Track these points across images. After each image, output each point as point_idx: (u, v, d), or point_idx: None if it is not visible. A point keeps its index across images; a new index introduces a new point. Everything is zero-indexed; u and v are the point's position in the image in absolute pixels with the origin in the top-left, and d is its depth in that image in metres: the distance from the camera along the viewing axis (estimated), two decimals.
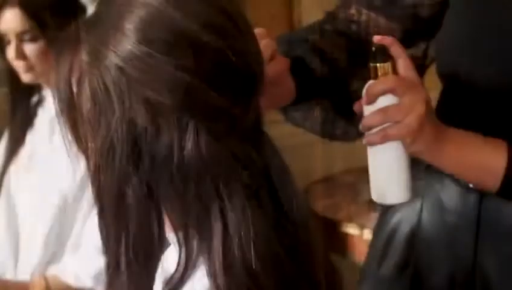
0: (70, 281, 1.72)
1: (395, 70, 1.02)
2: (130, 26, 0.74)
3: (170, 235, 0.79)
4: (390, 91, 1.00)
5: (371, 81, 1.02)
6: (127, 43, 0.74)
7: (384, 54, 1.01)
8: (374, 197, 1.06)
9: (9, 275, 1.80)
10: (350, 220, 2.03)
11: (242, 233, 0.74)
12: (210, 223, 0.75)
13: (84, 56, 0.77)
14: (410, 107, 0.99)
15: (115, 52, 0.74)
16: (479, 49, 1.12)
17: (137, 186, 0.75)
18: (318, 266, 0.80)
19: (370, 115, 1.01)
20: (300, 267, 0.77)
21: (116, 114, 0.74)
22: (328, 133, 1.21)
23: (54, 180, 1.77)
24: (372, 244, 1.30)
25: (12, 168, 1.86)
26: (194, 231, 0.76)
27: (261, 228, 0.75)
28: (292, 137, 2.36)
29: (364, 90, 1.02)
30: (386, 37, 1.02)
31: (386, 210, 1.27)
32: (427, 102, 1.00)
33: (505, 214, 1.10)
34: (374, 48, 1.01)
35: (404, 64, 1.02)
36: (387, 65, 1.01)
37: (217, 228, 0.75)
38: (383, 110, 1.00)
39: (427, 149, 1.02)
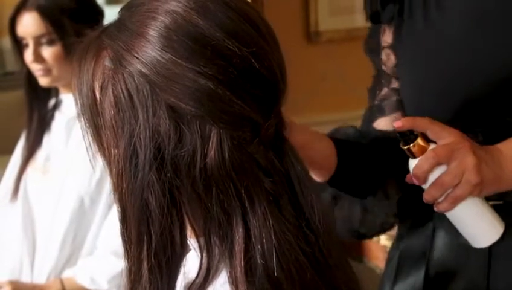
0: (86, 283, 1.73)
1: (428, 140, 1.01)
2: (154, 33, 0.75)
3: (192, 241, 0.79)
4: (436, 165, 1.00)
5: (412, 162, 1.02)
6: (151, 49, 0.74)
7: (411, 133, 1.01)
8: (475, 245, 1.07)
9: (25, 278, 1.81)
10: None
11: (264, 240, 0.74)
12: (232, 230, 0.75)
13: (107, 62, 0.77)
14: (461, 168, 0.99)
15: (138, 58, 0.75)
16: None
17: (159, 192, 0.75)
18: (340, 273, 0.80)
19: (428, 191, 1.01)
20: (322, 275, 0.77)
21: (139, 121, 0.75)
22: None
23: (71, 183, 1.77)
24: (388, 261, 1.29)
25: (29, 171, 1.86)
26: (216, 237, 0.76)
27: (283, 235, 0.75)
28: None
29: (411, 173, 1.02)
30: (404, 120, 1.02)
31: (401, 232, 1.26)
32: (473, 150, 1.00)
33: None
34: (398, 134, 1.01)
35: (433, 132, 1.01)
36: (418, 142, 1.00)
37: (239, 234, 0.75)
38: (439, 183, 1.00)
39: (498, 185, 1.03)
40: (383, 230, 1.26)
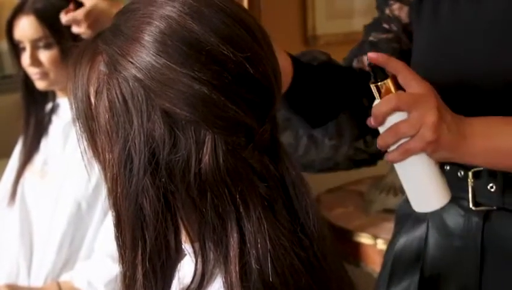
0: (83, 287, 1.72)
1: (398, 85, 0.99)
2: (149, 38, 0.75)
3: (186, 246, 0.79)
4: (395, 109, 0.97)
5: (375, 102, 1.00)
6: (145, 54, 0.74)
7: (383, 72, 0.98)
8: (415, 208, 1.04)
9: (22, 281, 1.81)
10: (363, 229, 2.03)
11: (259, 245, 0.74)
12: (226, 235, 0.75)
13: (102, 67, 0.77)
14: (420, 120, 0.96)
15: (133, 63, 0.75)
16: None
17: (154, 197, 0.75)
18: (335, 278, 0.80)
19: (383, 135, 0.99)
20: (317, 280, 0.77)
21: (134, 126, 0.75)
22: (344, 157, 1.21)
23: (68, 187, 1.77)
24: (383, 265, 1.28)
25: (27, 175, 1.86)
26: (211, 243, 0.76)
27: (277, 240, 0.75)
28: None
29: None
30: (380, 54, 0.99)
31: (395, 233, 1.26)
32: (438, 108, 0.97)
33: (508, 237, 1.08)
34: (370, 68, 0.99)
35: (404, 78, 0.99)
36: (387, 82, 0.98)
37: (234, 239, 0.75)
38: (394, 129, 0.97)
39: (452, 152, 0.99)
40: (324, 168, 1.24)
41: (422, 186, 1.02)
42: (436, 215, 1.16)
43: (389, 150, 1.00)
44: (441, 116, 0.97)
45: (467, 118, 1.01)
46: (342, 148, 1.21)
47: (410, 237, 1.21)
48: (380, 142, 1.00)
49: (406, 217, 1.24)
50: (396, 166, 1.02)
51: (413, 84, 0.98)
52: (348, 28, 2.55)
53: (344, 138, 1.20)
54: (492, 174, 1.08)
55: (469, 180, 1.11)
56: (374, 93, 1.00)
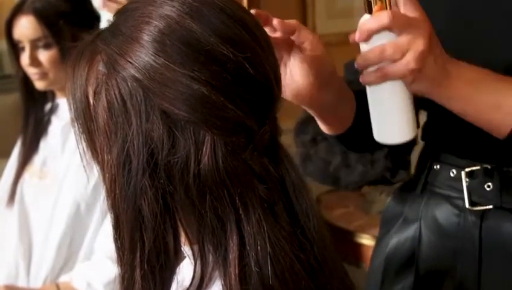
0: (82, 288, 1.71)
1: (391, 6, 0.93)
2: (148, 37, 0.74)
3: (186, 248, 0.79)
4: (386, 28, 0.91)
5: (365, 16, 0.94)
6: (144, 54, 0.74)
7: None
8: (376, 137, 0.99)
9: (21, 283, 1.80)
10: (364, 230, 2.02)
11: (259, 247, 0.73)
12: (226, 237, 0.74)
13: (101, 67, 0.76)
14: (408, 45, 0.90)
15: (132, 63, 0.74)
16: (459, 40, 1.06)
17: (152, 199, 0.74)
18: (335, 281, 0.79)
19: (365, 53, 0.93)
20: (317, 283, 0.76)
21: (132, 126, 0.74)
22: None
23: (67, 188, 1.77)
24: (371, 269, 1.26)
25: (26, 176, 1.86)
26: (210, 245, 0.75)
27: (277, 242, 0.74)
28: None
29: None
30: None
31: (383, 235, 1.24)
32: (430, 37, 0.91)
33: (507, 236, 1.07)
34: None
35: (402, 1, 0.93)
36: None
37: (233, 241, 0.74)
38: (379, 50, 0.91)
39: (431, 87, 0.94)
40: (349, 188, 1.21)
41: (391, 115, 0.97)
42: (429, 215, 1.15)
43: (366, 70, 0.95)
44: (431, 46, 0.92)
45: (459, 61, 0.97)
46: (370, 176, 1.19)
47: (402, 238, 1.19)
48: (359, 61, 0.95)
49: (395, 217, 1.22)
50: (369, 89, 0.97)
51: (410, 7, 0.93)
52: (349, 28, 2.53)
53: (375, 169, 1.18)
54: (488, 173, 1.07)
55: (463, 179, 1.09)
56: (365, 8, 0.94)
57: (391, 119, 0.98)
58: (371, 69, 0.94)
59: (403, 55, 0.91)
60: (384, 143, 1.01)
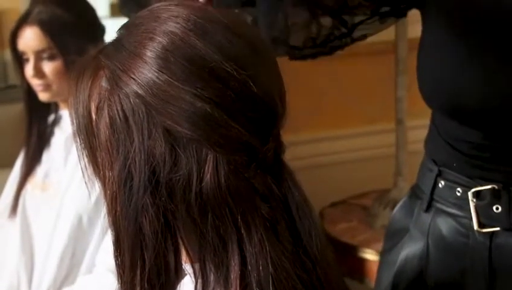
0: None
1: None
2: (151, 54, 0.74)
3: (187, 266, 0.78)
4: None
5: None
6: (147, 71, 0.73)
7: None
8: None
9: None
10: (367, 245, 2.01)
11: (260, 267, 0.73)
12: (227, 257, 0.74)
13: (104, 82, 0.76)
14: None
15: (135, 79, 0.74)
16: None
17: (154, 216, 0.74)
18: None
19: None
20: None
21: (134, 143, 0.74)
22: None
23: (69, 200, 1.76)
24: (379, 285, 1.25)
25: (29, 188, 1.85)
26: (211, 264, 0.74)
27: (280, 262, 0.73)
28: (308, 159, 2.36)
29: None
30: None
31: (389, 249, 1.23)
32: None
33: None
34: None
35: None
36: None
37: (235, 261, 0.73)
38: None
39: None
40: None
41: None
42: (436, 232, 1.13)
43: None
44: None
45: None
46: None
47: (410, 255, 1.17)
48: None
49: (401, 231, 1.20)
50: None
51: None
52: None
53: None
54: (496, 195, 1.06)
55: (470, 201, 1.08)
56: None
57: None
58: None
59: None
60: None
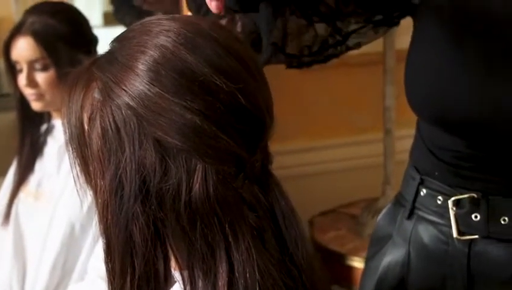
0: None
1: None
2: (143, 66, 0.75)
3: (176, 273, 0.80)
4: None
5: None
6: (139, 83, 0.75)
7: None
8: None
9: None
10: (356, 253, 2.02)
11: (247, 275, 0.74)
12: (215, 264, 0.75)
13: (96, 94, 0.78)
14: None
15: (126, 91, 0.75)
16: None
17: (144, 225, 0.76)
18: None
19: None
20: None
21: (125, 153, 0.75)
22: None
23: (62, 209, 1.77)
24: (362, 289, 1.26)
25: (21, 196, 1.86)
26: (200, 271, 0.76)
27: (266, 269, 0.75)
28: (298, 168, 2.37)
29: None
30: None
31: (373, 255, 1.25)
32: None
33: (495, 264, 1.08)
34: None
35: None
36: None
37: (222, 268, 0.75)
38: None
39: None
40: None
41: None
42: (417, 240, 1.15)
43: None
44: None
45: None
46: None
47: (392, 262, 1.19)
48: None
49: (384, 238, 1.22)
50: None
51: None
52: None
53: None
54: (475, 203, 1.08)
55: (450, 209, 1.10)
56: None
57: None
58: None
59: None
60: None
